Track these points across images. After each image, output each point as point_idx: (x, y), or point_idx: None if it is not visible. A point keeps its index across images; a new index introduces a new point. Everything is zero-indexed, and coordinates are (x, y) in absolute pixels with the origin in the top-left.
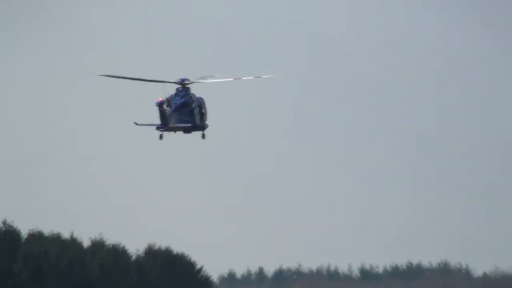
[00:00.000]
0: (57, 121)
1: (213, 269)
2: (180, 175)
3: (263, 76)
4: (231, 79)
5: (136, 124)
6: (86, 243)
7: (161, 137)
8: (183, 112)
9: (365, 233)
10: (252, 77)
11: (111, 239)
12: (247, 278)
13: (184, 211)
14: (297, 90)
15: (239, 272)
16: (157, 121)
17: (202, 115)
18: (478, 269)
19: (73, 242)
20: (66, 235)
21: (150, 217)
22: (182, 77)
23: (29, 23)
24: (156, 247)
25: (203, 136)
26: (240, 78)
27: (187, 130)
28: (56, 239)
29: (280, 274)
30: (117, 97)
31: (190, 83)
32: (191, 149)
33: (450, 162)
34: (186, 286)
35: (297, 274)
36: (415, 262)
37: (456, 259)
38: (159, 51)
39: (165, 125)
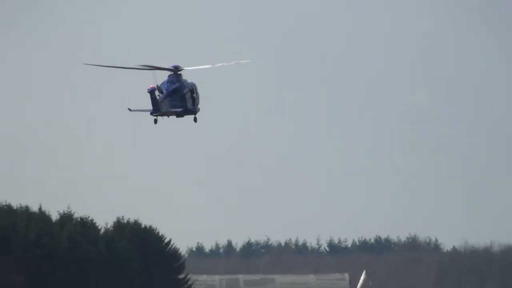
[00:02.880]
0: (38, 102)
1: (182, 243)
2: (150, 151)
3: (241, 61)
4: (211, 65)
5: (130, 110)
6: (54, 216)
7: (155, 121)
8: (175, 97)
9: (334, 207)
10: (232, 63)
11: (79, 212)
12: (215, 251)
13: (153, 185)
14: (273, 73)
15: (208, 245)
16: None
17: (194, 100)
18: (447, 243)
19: (42, 215)
20: (34, 208)
21: (119, 191)
22: (175, 64)
23: (17, 16)
24: (125, 220)
25: (195, 120)
26: (220, 64)
27: (179, 114)
28: (24, 212)
29: (248, 248)
30: (112, 86)
31: (182, 69)
32: (165, 128)
33: (419, 140)
34: (155, 259)
35: (266, 248)
36: (383, 236)
37: (424, 233)
38: (148, 39)
39: (157, 111)
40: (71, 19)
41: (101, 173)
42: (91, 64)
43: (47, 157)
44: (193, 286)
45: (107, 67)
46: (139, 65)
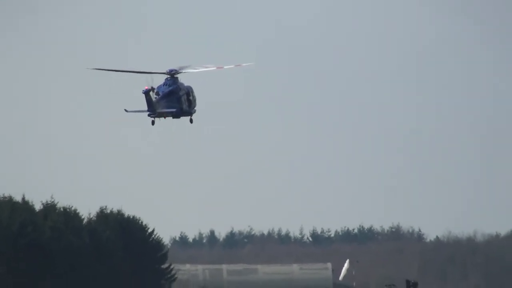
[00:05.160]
0: (24, 96)
1: (165, 232)
2: (133, 140)
3: (243, 64)
4: (214, 68)
5: (126, 111)
6: (37, 206)
7: (153, 123)
8: (171, 99)
9: (317, 197)
10: (233, 66)
11: (62, 202)
12: (198, 241)
13: (136, 174)
14: (276, 77)
15: (191, 235)
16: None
17: (190, 102)
18: (431, 233)
19: (25, 205)
20: (17, 198)
21: (102, 181)
22: (171, 67)
23: (19, 18)
24: (108, 210)
25: (191, 121)
26: (222, 67)
27: (175, 115)
28: (7, 202)
29: (231, 237)
30: (111, 88)
31: (178, 73)
32: (148, 120)
33: (403, 132)
34: (138, 249)
35: (249, 238)
36: (366, 226)
37: (408, 223)
38: (146, 44)
39: (153, 111)
40: (72, 21)
41: (84, 163)
42: (95, 68)
43: (31, 147)
44: (176, 276)
45: (106, 71)
46: (137, 70)
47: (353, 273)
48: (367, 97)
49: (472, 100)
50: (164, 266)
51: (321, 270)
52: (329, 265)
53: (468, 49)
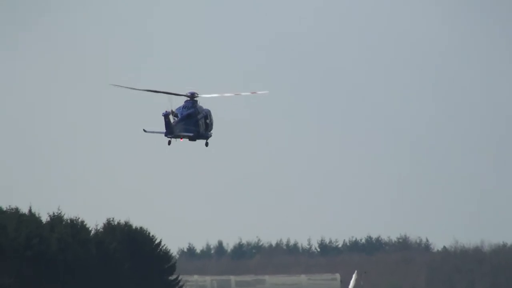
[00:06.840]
0: (32, 105)
1: (173, 243)
2: (141, 154)
3: (258, 92)
4: (232, 94)
5: (145, 131)
6: (44, 217)
7: (169, 142)
8: (188, 122)
9: (325, 207)
10: (249, 93)
11: (69, 213)
12: (206, 252)
13: (143, 186)
14: (288, 104)
15: (199, 246)
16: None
17: (207, 125)
18: (438, 243)
19: (32, 217)
20: (24, 209)
21: (109, 192)
22: (191, 90)
23: (44, 33)
24: (115, 222)
25: (207, 144)
26: (240, 94)
27: (191, 138)
28: (14, 214)
29: (239, 248)
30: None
31: (198, 96)
32: (162, 139)
33: (410, 142)
34: (146, 260)
35: (257, 248)
36: (374, 236)
37: (415, 233)
38: (169, 67)
39: (170, 133)
40: (93, 39)
41: (91, 175)
42: (116, 85)
43: (38, 159)
44: (184, 287)
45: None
46: (158, 89)
47: (361, 283)
48: (374, 105)
49: (480, 109)
50: (172, 277)
51: (329, 280)
52: (337, 275)
53: (472, 52)
